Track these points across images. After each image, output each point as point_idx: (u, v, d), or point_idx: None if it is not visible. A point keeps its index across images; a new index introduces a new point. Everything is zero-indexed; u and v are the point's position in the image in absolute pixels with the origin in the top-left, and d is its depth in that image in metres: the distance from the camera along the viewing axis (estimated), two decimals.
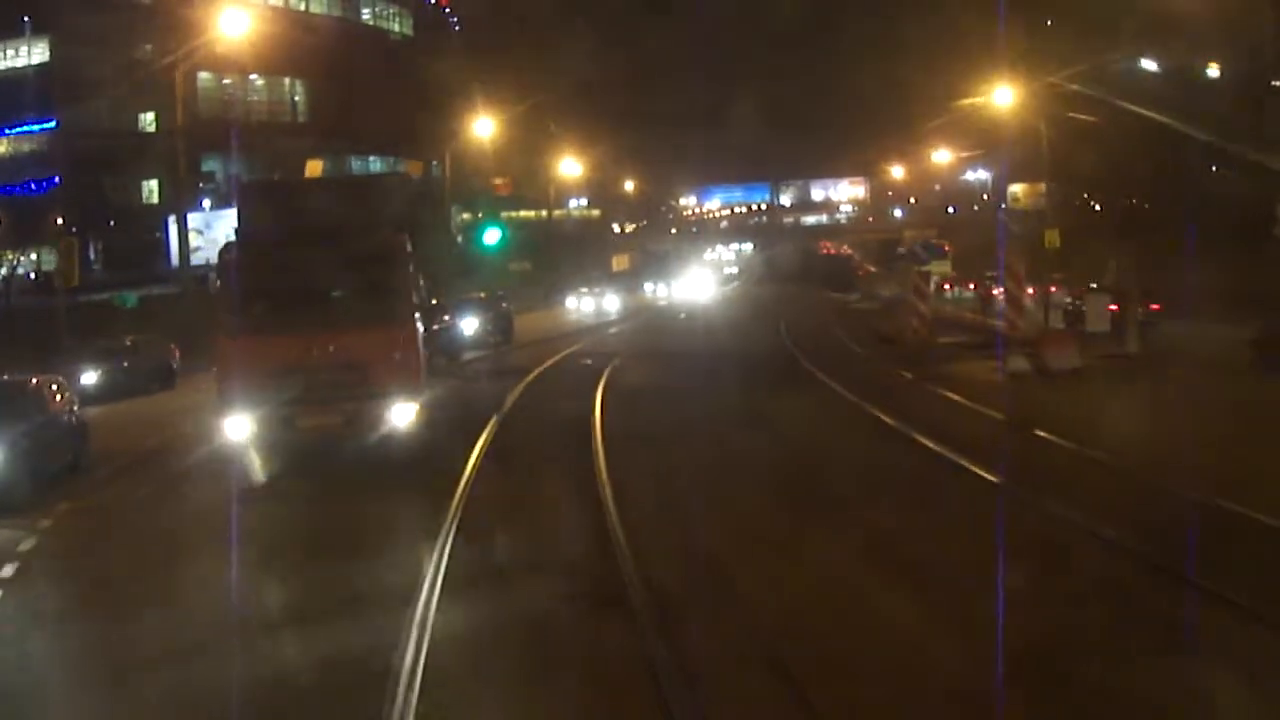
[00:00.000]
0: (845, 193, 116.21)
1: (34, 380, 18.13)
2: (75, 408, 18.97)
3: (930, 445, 16.19)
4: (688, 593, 9.76)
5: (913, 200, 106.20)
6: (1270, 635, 8.16)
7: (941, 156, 73.35)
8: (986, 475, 13.88)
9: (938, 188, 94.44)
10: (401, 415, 16.27)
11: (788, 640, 8.52)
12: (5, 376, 19.17)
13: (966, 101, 52.90)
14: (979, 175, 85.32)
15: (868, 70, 70.08)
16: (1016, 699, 7.14)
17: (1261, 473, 13.30)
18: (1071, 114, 46.97)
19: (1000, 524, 11.22)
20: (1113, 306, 29.71)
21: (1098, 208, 68.28)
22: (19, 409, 16.54)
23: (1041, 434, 16.75)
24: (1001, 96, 46.93)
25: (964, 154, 73.37)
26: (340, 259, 16.78)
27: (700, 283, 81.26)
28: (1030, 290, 32.90)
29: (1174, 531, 10.35)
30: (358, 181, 41.95)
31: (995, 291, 34.99)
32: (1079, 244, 45.37)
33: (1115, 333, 28.35)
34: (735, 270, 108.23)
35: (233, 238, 17.97)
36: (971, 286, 52.46)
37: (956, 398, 21.50)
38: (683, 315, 59.79)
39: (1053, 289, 37.04)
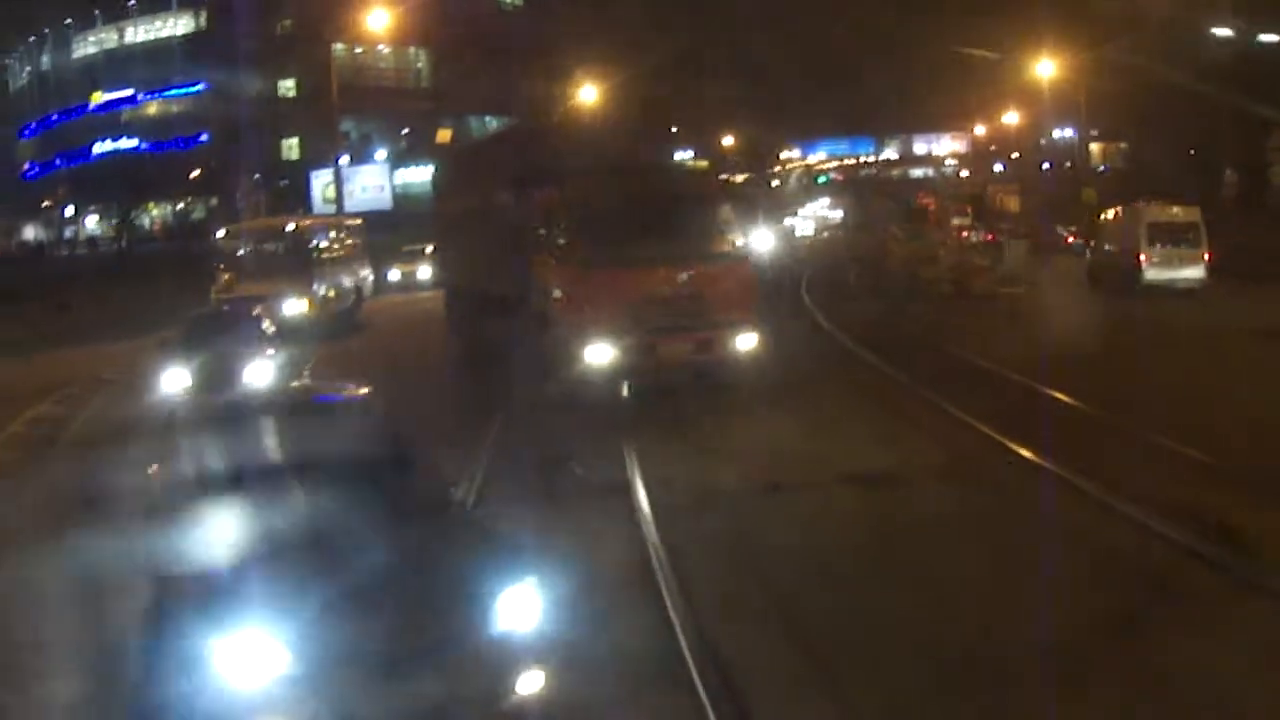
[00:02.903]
0: (947, 147, 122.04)
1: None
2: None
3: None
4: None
5: (1016, 155, 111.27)
6: (934, 401, 16.94)
7: (1010, 119, 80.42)
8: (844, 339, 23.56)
9: (1042, 141, 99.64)
10: (745, 343, 17.53)
11: None
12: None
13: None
14: (1066, 133, 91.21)
15: (969, 25, 73.43)
16: None
17: (1008, 344, 22.62)
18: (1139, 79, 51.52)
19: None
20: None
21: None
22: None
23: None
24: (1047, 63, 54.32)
25: (1037, 115, 79.36)
26: (676, 195, 18.58)
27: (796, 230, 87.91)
28: (988, 236, 42.41)
29: (925, 369, 19.51)
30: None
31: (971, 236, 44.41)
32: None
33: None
34: (837, 219, 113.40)
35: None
36: (988, 237, 58.53)
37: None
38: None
39: (1069, 239, 45.93)
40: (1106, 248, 34.89)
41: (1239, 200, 50.29)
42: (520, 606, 6.76)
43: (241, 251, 31.35)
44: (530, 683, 6.62)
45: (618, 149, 20.18)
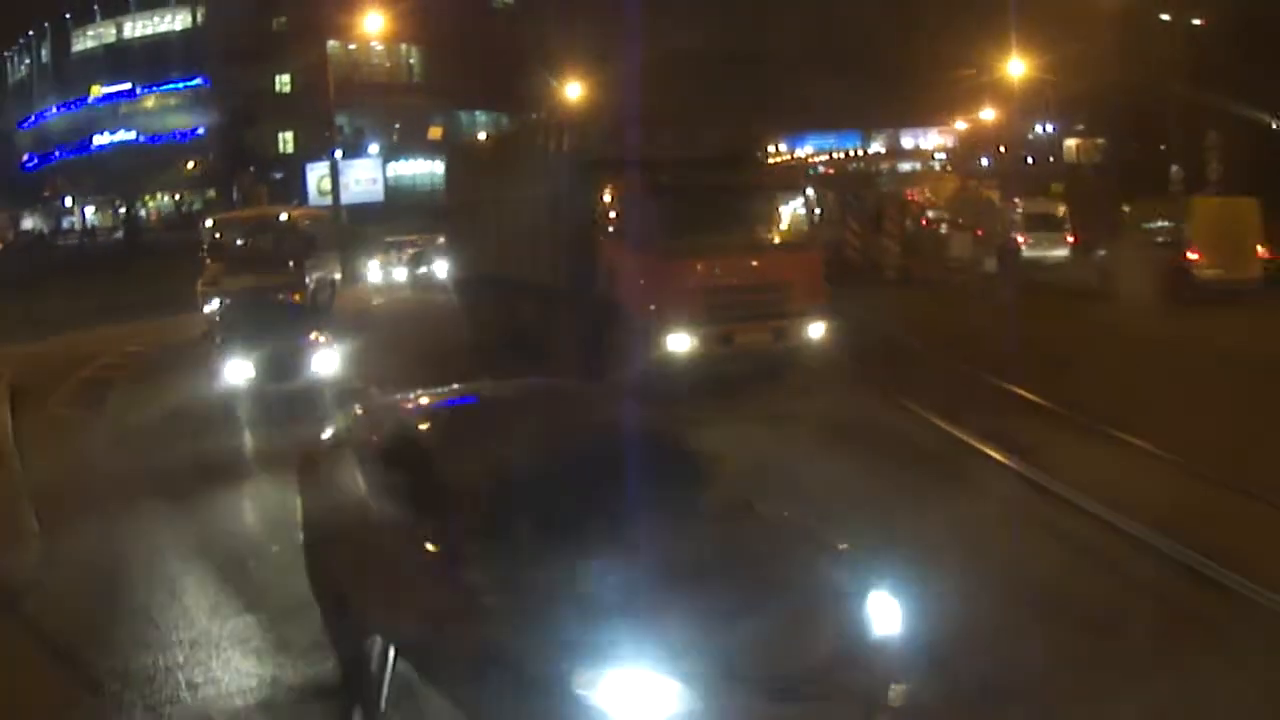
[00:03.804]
0: (934, 141, 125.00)
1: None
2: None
3: None
4: None
5: (1002, 150, 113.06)
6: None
7: (987, 115, 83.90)
8: None
9: (1030, 137, 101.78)
10: (816, 331, 17.92)
11: None
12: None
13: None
14: (1047, 130, 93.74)
15: (952, 19, 74.29)
16: None
17: (944, 327, 25.99)
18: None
19: None
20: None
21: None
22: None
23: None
24: (1014, 66, 57.77)
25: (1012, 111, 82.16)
26: (753, 183, 19.16)
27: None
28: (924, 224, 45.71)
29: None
30: None
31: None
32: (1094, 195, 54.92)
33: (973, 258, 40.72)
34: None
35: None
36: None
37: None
38: None
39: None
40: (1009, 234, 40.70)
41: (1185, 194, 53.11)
42: (881, 610, 6.58)
43: (229, 241, 30.84)
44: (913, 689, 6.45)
45: (683, 138, 20.49)
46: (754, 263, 17.68)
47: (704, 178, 18.25)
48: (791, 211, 18.99)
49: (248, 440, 16.46)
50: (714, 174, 18.59)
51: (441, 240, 44.65)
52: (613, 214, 18.48)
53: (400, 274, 45.09)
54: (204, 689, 8.30)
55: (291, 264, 29.36)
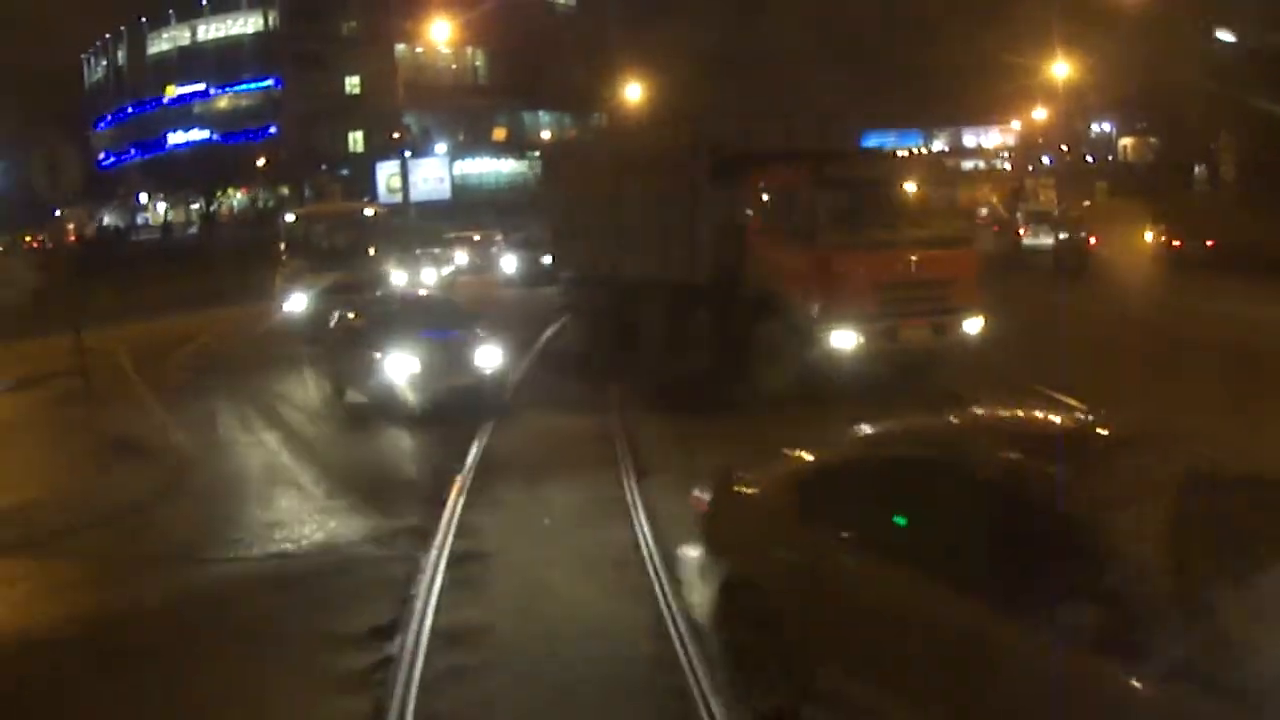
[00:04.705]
0: (994, 140, 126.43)
1: None
2: None
3: None
4: None
5: (1064, 148, 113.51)
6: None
7: (1039, 114, 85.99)
8: None
9: (1093, 134, 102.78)
10: (973, 326, 17.62)
11: None
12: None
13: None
14: (1104, 129, 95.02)
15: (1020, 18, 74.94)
16: None
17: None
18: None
19: None
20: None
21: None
22: None
23: None
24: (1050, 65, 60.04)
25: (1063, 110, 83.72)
26: (914, 179, 18.86)
27: None
28: None
29: None
30: None
31: None
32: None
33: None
34: None
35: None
36: None
37: None
38: None
39: None
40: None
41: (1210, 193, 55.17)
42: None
43: (311, 236, 31.09)
44: None
45: (827, 131, 20.59)
46: (918, 257, 17.28)
47: (872, 173, 18.64)
48: (948, 205, 19.09)
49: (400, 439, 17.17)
50: (882, 169, 19.05)
51: (500, 237, 48.01)
52: (769, 208, 18.39)
53: (463, 265, 46.13)
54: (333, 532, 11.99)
55: (375, 259, 29.72)
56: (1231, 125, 47.02)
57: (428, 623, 8.85)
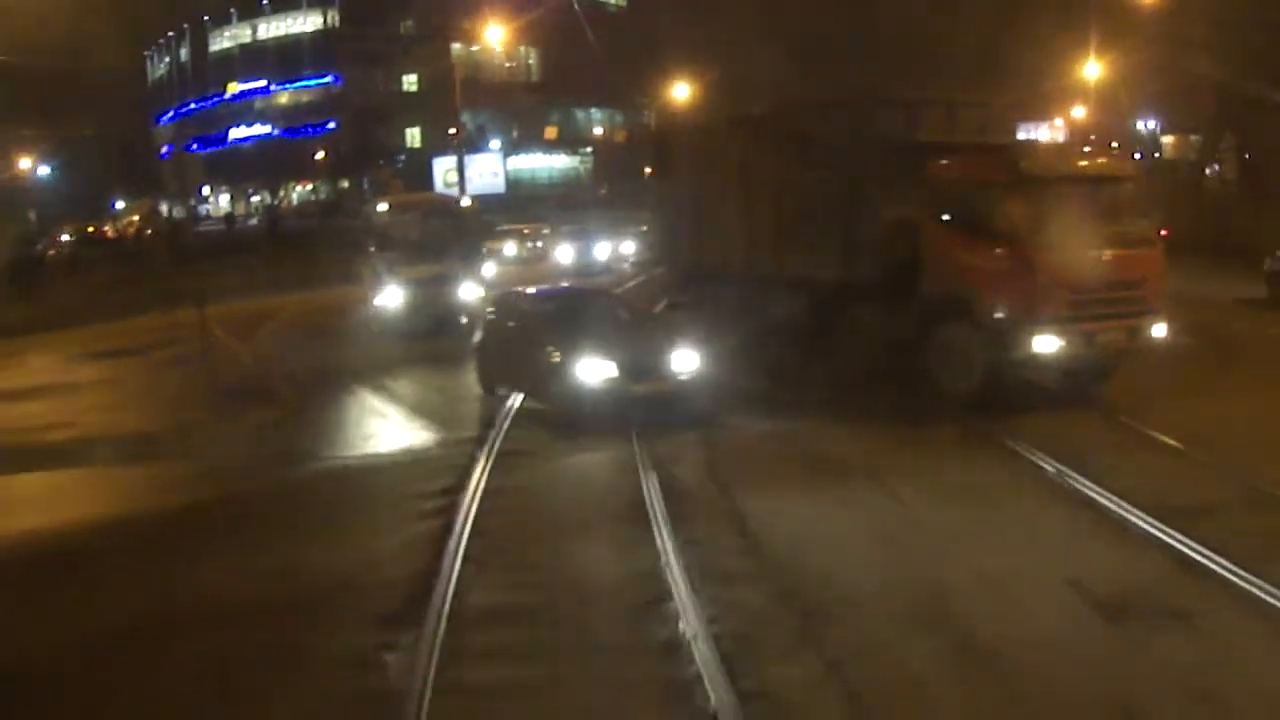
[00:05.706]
0: (1044, 136, 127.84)
1: None
2: None
3: None
4: None
5: (1114, 145, 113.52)
6: None
7: (1078, 112, 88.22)
8: None
9: (1143, 131, 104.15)
10: (1159, 330, 17.26)
11: None
12: None
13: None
14: (1149, 126, 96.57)
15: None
16: None
17: None
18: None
19: None
20: None
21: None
22: None
23: None
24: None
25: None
26: (1110, 178, 18.18)
27: None
28: None
29: None
30: None
31: None
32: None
33: None
34: None
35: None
36: None
37: None
38: None
39: None
40: None
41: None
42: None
43: (400, 227, 30.12)
44: None
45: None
46: (1115, 258, 16.89)
47: (1066, 166, 18.26)
48: (1136, 202, 18.26)
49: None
50: (1080, 163, 18.77)
51: (546, 230, 50.21)
52: (957, 204, 17.70)
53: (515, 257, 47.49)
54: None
55: (470, 253, 29.49)
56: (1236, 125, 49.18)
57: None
